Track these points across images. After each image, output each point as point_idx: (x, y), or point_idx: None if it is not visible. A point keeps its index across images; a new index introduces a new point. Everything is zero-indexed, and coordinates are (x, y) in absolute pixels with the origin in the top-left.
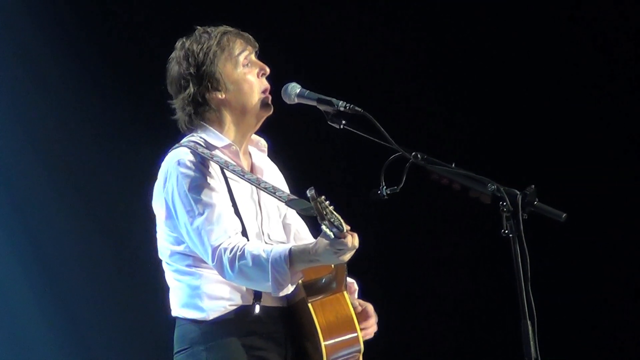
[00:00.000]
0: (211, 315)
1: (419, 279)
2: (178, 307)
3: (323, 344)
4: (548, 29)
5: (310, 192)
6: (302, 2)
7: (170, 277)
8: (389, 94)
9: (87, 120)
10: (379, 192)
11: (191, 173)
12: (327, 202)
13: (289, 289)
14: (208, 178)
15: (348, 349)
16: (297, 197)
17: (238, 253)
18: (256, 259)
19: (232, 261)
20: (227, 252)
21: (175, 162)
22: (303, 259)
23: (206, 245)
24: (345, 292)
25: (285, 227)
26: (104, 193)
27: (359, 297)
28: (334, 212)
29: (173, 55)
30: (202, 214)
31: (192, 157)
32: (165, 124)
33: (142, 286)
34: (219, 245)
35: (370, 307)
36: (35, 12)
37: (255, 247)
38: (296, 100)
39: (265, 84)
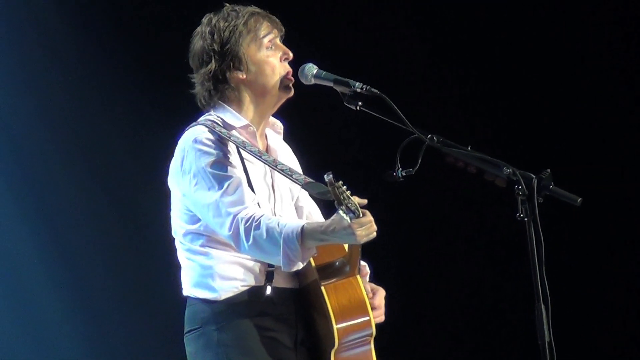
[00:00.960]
0: (223, 295)
1: (433, 262)
2: (189, 287)
3: (335, 327)
4: (570, 14)
5: (327, 177)
6: None
7: (182, 256)
8: (406, 75)
9: (105, 101)
10: (395, 173)
11: (208, 149)
12: (345, 187)
13: (299, 265)
14: (225, 155)
15: (360, 332)
16: (313, 180)
17: (254, 223)
18: (270, 231)
19: (247, 230)
20: (244, 221)
21: (193, 139)
22: (315, 237)
23: (223, 215)
24: (358, 276)
25: (298, 209)
26: (122, 176)
27: (371, 280)
28: (351, 197)
29: (198, 29)
30: (220, 188)
31: (209, 135)
32: (181, 103)
33: (160, 267)
34: (237, 214)
35: (381, 291)
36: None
37: (271, 219)
38: (313, 81)
39: (287, 68)
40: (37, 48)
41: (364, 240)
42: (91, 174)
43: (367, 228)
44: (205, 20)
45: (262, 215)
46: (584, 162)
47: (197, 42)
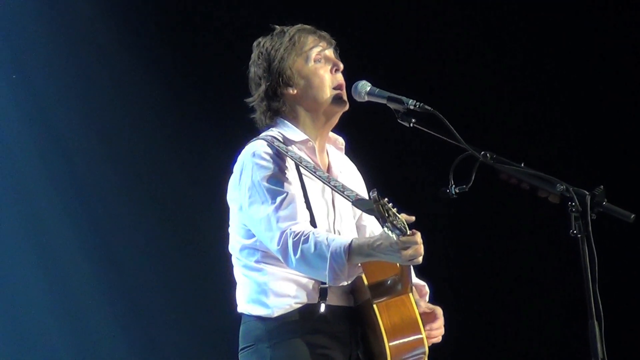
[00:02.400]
0: (276, 312)
1: (487, 279)
2: (244, 303)
3: (387, 345)
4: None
5: (372, 194)
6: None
7: (238, 272)
8: (459, 92)
9: (159, 117)
10: (448, 190)
11: (266, 164)
12: (390, 204)
13: (345, 281)
14: (282, 170)
15: (413, 351)
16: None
17: (302, 237)
18: (318, 245)
19: (296, 244)
20: (293, 235)
21: (251, 153)
22: (362, 253)
23: (274, 230)
24: (410, 294)
25: (361, 228)
26: (174, 190)
27: (430, 300)
28: (397, 215)
29: (251, 57)
30: (274, 202)
31: (268, 150)
32: (236, 120)
33: (211, 281)
34: (286, 229)
35: (438, 310)
36: (112, 13)
37: (320, 234)
38: (366, 98)
39: (339, 80)
40: (98, 71)
41: (409, 261)
42: (147, 191)
43: (413, 248)
44: (255, 44)
45: (311, 231)
46: (638, 179)
47: (251, 69)
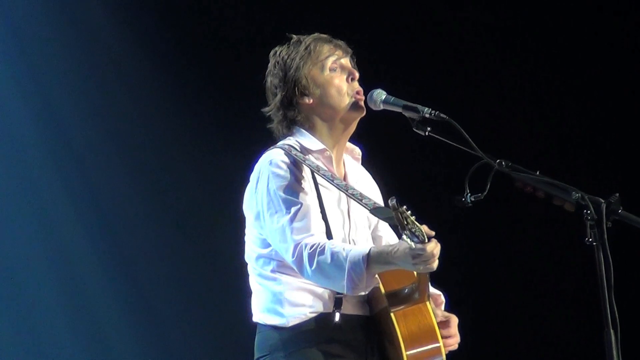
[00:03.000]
0: (291, 321)
1: (504, 287)
2: (259, 312)
3: (405, 353)
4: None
5: (391, 202)
6: (394, 9)
7: (253, 281)
8: (474, 100)
9: (175, 123)
10: (463, 199)
11: (282, 173)
12: (409, 212)
13: (362, 291)
14: (298, 180)
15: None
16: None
17: (318, 249)
18: (335, 255)
19: (311, 256)
20: (308, 247)
21: (268, 162)
22: (380, 261)
23: (288, 241)
24: (427, 303)
25: (376, 239)
26: (189, 197)
27: (446, 309)
28: (416, 222)
29: (268, 66)
30: (288, 213)
31: (285, 158)
32: (254, 128)
33: (226, 290)
34: (301, 241)
35: (453, 318)
36: (123, 14)
37: (337, 245)
38: (382, 107)
39: (356, 87)
40: (111, 73)
41: (422, 268)
42: (161, 199)
43: (427, 256)
44: (271, 54)
45: (326, 242)
46: None
47: (267, 78)
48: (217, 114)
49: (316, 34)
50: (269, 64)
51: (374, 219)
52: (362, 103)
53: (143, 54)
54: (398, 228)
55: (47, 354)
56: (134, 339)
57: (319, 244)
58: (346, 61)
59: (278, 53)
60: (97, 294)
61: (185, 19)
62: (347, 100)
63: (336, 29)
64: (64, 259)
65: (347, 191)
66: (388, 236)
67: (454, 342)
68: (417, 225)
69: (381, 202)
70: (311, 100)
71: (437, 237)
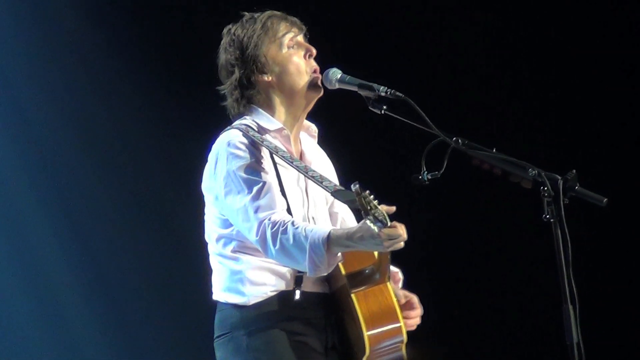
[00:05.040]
0: (252, 300)
1: (460, 265)
2: (220, 291)
3: (366, 334)
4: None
5: (354, 187)
6: None
7: (214, 261)
8: (430, 78)
9: (131, 107)
10: (420, 177)
11: (241, 153)
12: (372, 196)
13: (324, 271)
14: (258, 159)
15: (391, 339)
16: (343, 187)
17: (281, 228)
18: (297, 236)
19: (274, 235)
20: (271, 226)
21: (226, 143)
22: (341, 244)
23: (252, 220)
24: (388, 283)
25: (332, 215)
26: (153, 182)
27: (404, 287)
28: (378, 207)
29: (221, 43)
30: (250, 192)
31: (242, 139)
32: (210, 110)
33: (187, 271)
34: (264, 219)
35: (415, 298)
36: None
37: (298, 224)
38: (337, 86)
39: (313, 65)
40: (69, 57)
41: (391, 248)
42: (121, 179)
43: (394, 240)
44: (225, 31)
45: (289, 221)
46: (609, 162)
47: (221, 56)
48: (173, 94)
49: (270, 11)
50: (223, 42)
51: (331, 196)
52: (320, 82)
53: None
54: (362, 212)
55: (14, 354)
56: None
57: (282, 222)
58: (301, 38)
59: (233, 31)
60: (62, 282)
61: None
62: (306, 79)
63: (288, 6)
64: (28, 250)
65: (306, 173)
66: (344, 213)
67: (414, 322)
68: (379, 210)
69: (336, 179)
70: (270, 78)
71: (395, 216)
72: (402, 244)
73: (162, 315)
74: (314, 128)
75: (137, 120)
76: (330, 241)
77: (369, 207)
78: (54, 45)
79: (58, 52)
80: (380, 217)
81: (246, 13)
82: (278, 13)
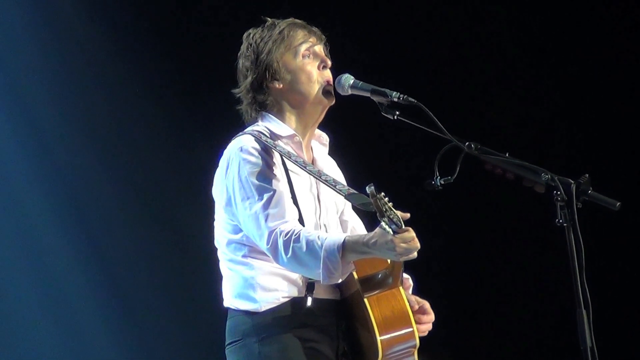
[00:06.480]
0: (264, 306)
1: (474, 270)
2: (231, 298)
3: (379, 338)
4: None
5: (369, 189)
6: None
7: (224, 267)
8: (442, 84)
9: (143, 111)
10: (433, 182)
11: (253, 159)
12: (387, 198)
13: (338, 279)
14: (270, 166)
15: (403, 344)
16: (356, 191)
17: (293, 236)
18: (310, 244)
19: (286, 244)
20: (283, 234)
21: (238, 148)
22: (356, 250)
23: (262, 229)
24: (401, 288)
25: (342, 223)
26: (158, 184)
27: (414, 293)
28: (393, 209)
29: (241, 48)
30: (261, 199)
31: (255, 144)
32: (222, 115)
33: (198, 276)
34: (275, 228)
35: (427, 305)
36: (92, 9)
37: (311, 232)
38: (350, 92)
39: (326, 76)
40: (79, 58)
41: (404, 257)
42: (132, 184)
43: (408, 244)
44: (245, 35)
45: (301, 229)
46: (622, 167)
47: (239, 60)
48: (186, 99)
49: (291, 19)
50: (242, 46)
51: (342, 204)
52: (332, 91)
53: (110, 41)
54: (376, 215)
55: (23, 352)
56: (107, 326)
57: (293, 231)
58: (319, 48)
59: (251, 35)
60: (72, 285)
61: (155, 7)
62: (316, 88)
63: (308, 14)
64: (39, 253)
65: (320, 177)
66: (353, 221)
67: (426, 328)
68: (394, 212)
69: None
70: (281, 85)
71: (408, 222)
72: (415, 253)
73: (172, 321)
74: (325, 137)
75: (149, 124)
76: (345, 247)
77: (384, 209)
78: (63, 46)
79: (67, 53)
80: (395, 220)
81: (268, 19)
82: (299, 21)
